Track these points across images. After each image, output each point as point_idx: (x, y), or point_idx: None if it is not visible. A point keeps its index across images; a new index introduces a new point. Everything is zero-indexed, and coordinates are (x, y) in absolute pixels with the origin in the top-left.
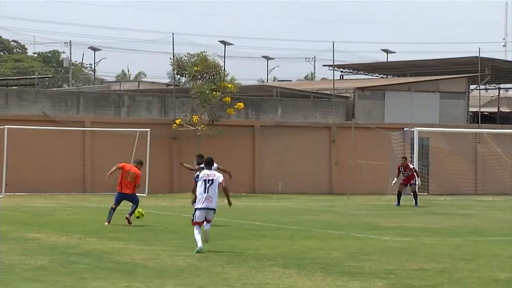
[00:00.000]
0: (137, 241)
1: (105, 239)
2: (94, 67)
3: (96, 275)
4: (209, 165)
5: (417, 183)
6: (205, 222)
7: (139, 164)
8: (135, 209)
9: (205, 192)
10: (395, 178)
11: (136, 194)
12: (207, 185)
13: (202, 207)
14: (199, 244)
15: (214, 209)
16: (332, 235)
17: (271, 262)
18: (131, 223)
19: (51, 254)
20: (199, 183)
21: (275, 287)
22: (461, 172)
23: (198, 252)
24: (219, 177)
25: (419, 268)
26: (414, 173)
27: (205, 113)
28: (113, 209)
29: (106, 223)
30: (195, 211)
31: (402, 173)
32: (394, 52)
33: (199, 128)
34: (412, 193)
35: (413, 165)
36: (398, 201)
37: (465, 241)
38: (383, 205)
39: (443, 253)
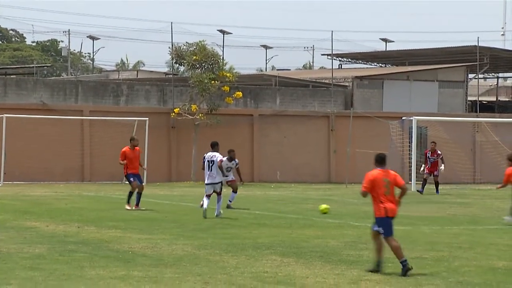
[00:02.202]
0: (136, 230)
1: (104, 228)
2: (93, 56)
3: (94, 263)
4: (213, 148)
5: (441, 169)
6: (216, 209)
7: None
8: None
9: (209, 170)
10: (423, 165)
11: (126, 174)
12: (210, 165)
13: (208, 182)
14: (205, 206)
15: (219, 182)
16: (330, 224)
17: (269, 251)
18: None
19: (50, 243)
20: (205, 164)
21: (273, 275)
22: (459, 161)
23: (204, 213)
24: (218, 157)
25: (417, 257)
26: (440, 160)
27: (204, 102)
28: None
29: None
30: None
31: (429, 159)
32: (393, 41)
33: (198, 117)
34: (434, 182)
35: (440, 151)
36: (422, 188)
37: (463, 230)
38: None
39: (441, 242)
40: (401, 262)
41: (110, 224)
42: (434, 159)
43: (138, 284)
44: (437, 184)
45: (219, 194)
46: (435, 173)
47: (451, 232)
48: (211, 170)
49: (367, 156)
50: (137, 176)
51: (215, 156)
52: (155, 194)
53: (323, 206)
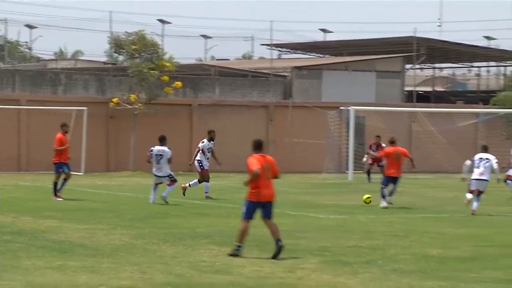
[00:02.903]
0: (73, 220)
1: (40, 218)
2: (31, 45)
3: (30, 253)
4: (161, 142)
5: (384, 163)
6: (166, 189)
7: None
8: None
9: (157, 164)
10: (366, 155)
11: (56, 162)
12: (158, 158)
13: (156, 174)
14: (151, 202)
15: (164, 176)
16: None
17: (207, 240)
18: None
19: None
20: (153, 157)
21: (211, 265)
22: None
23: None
24: (168, 152)
25: (353, 245)
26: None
27: (143, 92)
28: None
29: None
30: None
31: (374, 151)
32: (332, 32)
33: (137, 106)
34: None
35: (385, 144)
36: (369, 179)
37: (398, 219)
38: (319, 183)
39: (377, 230)
40: (236, 244)
41: (46, 214)
42: (379, 151)
43: (74, 274)
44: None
45: (169, 185)
46: (380, 163)
47: (387, 221)
48: (159, 163)
49: (306, 145)
50: (66, 165)
51: (164, 151)
52: (93, 184)
53: (365, 196)
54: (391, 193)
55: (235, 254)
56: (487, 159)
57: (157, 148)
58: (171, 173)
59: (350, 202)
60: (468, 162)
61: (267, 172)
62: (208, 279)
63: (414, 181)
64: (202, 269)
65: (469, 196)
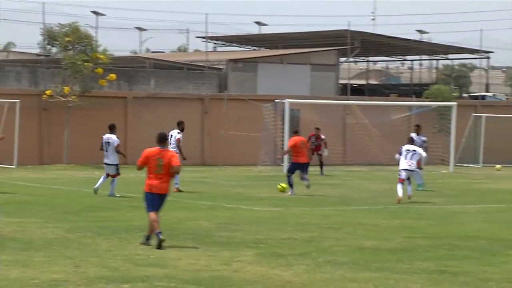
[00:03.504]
0: (5, 213)
1: None
2: None
3: None
4: (111, 130)
5: (324, 153)
6: (110, 187)
7: None
8: None
9: (105, 151)
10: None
11: None
12: (106, 146)
13: (104, 162)
14: (97, 185)
15: (112, 164)
16: (203, 205)
17: (142, 233)
18: None
19: None
20: (103, 145)
21: (145, 258)
22: (329, 143)
23: (94, 190)
24: (115, 140)
25: (288, 238)
26: (323, 144)
27: (77, 84)
28: None
29: None
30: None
31: (313, 142)
32: (267, 25)
33: (70, 99)
34: (319, 162)
35: (324, 136)
36: (321, 171)
37: (333, 211)
38: (254, 176)
39: (311, 223)
40: (155, 234)
41: None
42: (318, 143)
43: (6, 268)
44: (321, 165)
45: (112, 176)
46: (319, 152)
47: (321, 213)
48: (107, 151)
49: (241, 138)
50: None
51: (111, 138)
52: (26, 177)
53: (280, 186)
54: (308, 186)
55: (160, 243)
56: (414, 150)
57: (106, 136)
58: (118, 164)
59: (285, 194)
60: (397, 156)
61: (159, 167)
62: (143, 272)
63: (349, 173)
64: (137, 262)
65: (400, 193)
